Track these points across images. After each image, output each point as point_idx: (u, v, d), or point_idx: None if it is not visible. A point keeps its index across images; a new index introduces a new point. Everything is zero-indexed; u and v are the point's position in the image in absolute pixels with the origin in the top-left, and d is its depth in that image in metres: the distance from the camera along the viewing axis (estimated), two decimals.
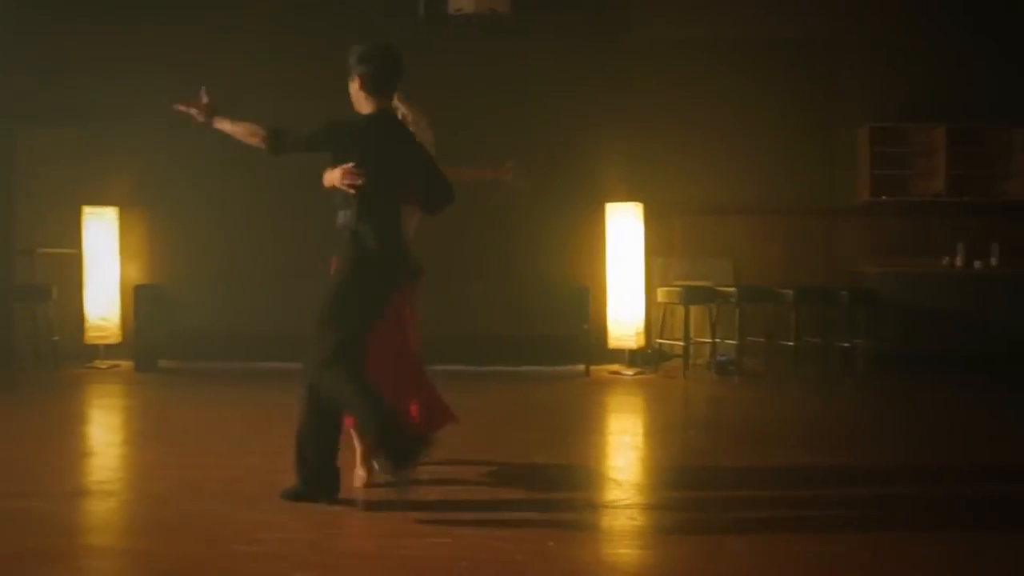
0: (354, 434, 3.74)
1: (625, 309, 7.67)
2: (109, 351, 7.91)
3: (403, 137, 3.72)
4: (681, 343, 7.53)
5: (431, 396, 3.94)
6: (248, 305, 7.86)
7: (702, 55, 8.10)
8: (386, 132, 3.65)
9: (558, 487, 3.87)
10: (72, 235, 8.01)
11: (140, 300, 7.75)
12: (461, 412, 5.75)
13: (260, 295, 7.85)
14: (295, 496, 3.44)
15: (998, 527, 3.31)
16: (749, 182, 8.11)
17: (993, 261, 7.87)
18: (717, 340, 7.56)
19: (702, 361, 7.76)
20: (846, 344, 7.45)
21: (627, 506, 3.55)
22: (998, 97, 8.05)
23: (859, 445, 4.93)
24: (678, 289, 7.64)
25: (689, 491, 3.85)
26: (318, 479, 3.44)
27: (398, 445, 3.33)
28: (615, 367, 7.70)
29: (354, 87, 3.69)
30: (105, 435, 5.40)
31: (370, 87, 3.64)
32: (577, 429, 5.43)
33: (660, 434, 5.45)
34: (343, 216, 3.59)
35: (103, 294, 7.93)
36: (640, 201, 7.79)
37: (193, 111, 3.58)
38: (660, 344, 7.87)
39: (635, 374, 7.54)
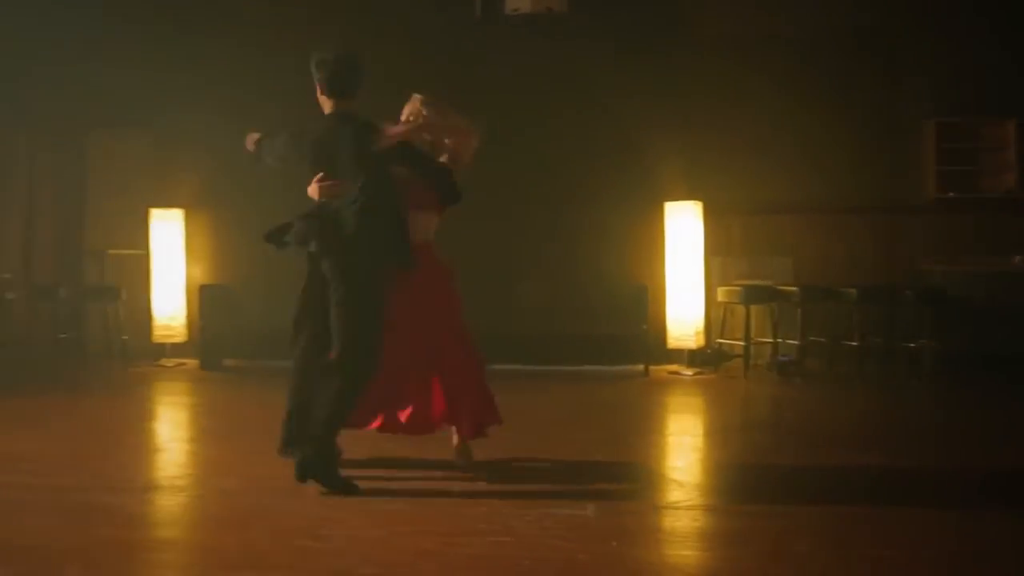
0: None
1: (684, 309, 7.60)
2: (175, 350, 8.10)
3: (345, 135, 3.83)
4: (741, 343, 7.43)
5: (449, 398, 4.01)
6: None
7: (762, 50, 7.97)
8: (325, 131, 3.90)
9: (620, 487, 3.85)
10: (140, 237, 8.23)
11: (205, 300, 7.91)
12: (521, 412, 5.79)
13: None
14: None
15: None
16: (811, 179, 7.95)
17: None
18: (778, 340, 7.45)
19: (763, 361, 7.64)
20: (912, 345, 7.26)
21: (689, 507, 3.52)
22: None
23: (924, 448, 4.81)
24: (738, 288, 7.54)
25: (751, 493, 3.79)
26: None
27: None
28: (674, 367, 7.63)
29: (318, 92, 3.97)
30: (172, 431, 5.53)
31: (325, 91, 3.93)
32: (637, 429, 5.39)
33: (721, 434, 5.38)
34: None
35: (170, 294, 8.12)
36: (699, 200, 7.71)
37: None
38: (720, 344, 7.78)
39: (695, 374, 7.47)
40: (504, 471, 4.13)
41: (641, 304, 7.60)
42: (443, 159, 4.19)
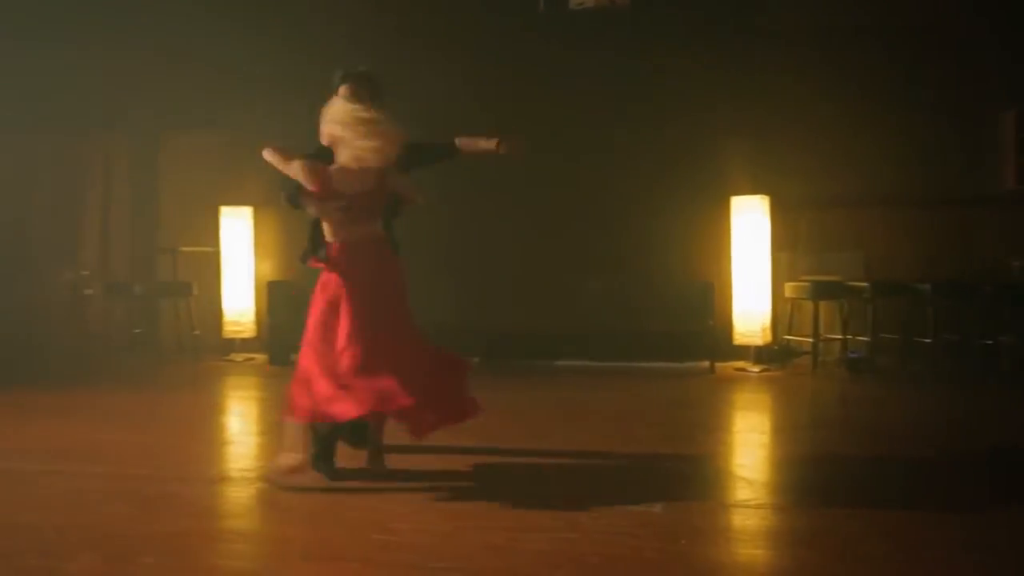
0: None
1: (751, 305, 7.49)
2: (245, 345, 8.28)
3: None
4: (809, 340, 7.30)
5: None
6: None
7: (831, 41, 7.80)
8: None
9: (687, 484, 3.81)
10: (211, 234, 8.43)
11: (273, 296, 8.06)
12: (587, 408, 5.80)
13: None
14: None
15: None
16: (882, 172, 7.75)
17: None
18: (848, 337, 7.29)
19: (832, 358, 7.50)
20: (988, 341, 7.04)
21: (758, 506, 3.47)
22: None
23: (1000, 447, 4.66)
24: (806, 284, 7.40)
25: (821, 492, 3.71)
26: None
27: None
28: (740, 364, 7.53)
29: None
30: (243, 425, 5.64)
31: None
32: (704, 426, 5.33)
33: (789, 432, 5.29)
34: None
35: (239, 290, 8.30)
36: (766, 194, 7.59)
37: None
38: (788, 341, 7.65)
39: (761, 371, 7.35)
40: (570, 467, 4.13)
41: (707, 300, 7.51)
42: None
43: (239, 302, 8.29)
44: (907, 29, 7.79)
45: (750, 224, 7.54)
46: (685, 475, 4.00)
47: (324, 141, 3.87)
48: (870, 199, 7.81)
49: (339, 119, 3.79)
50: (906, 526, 3.19)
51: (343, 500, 3.51)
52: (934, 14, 7.78)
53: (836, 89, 7.74)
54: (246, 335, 8.30)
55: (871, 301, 7.19)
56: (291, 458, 3.71)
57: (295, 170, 3.78)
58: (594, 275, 7.88)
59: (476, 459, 4.29)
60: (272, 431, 5.23)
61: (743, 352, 7.60)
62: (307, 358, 3.69)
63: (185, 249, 8.58)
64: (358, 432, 3.94)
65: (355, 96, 3.91)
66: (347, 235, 3.81)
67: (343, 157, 3.79)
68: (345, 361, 3.60)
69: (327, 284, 3.80)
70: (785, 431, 5.36)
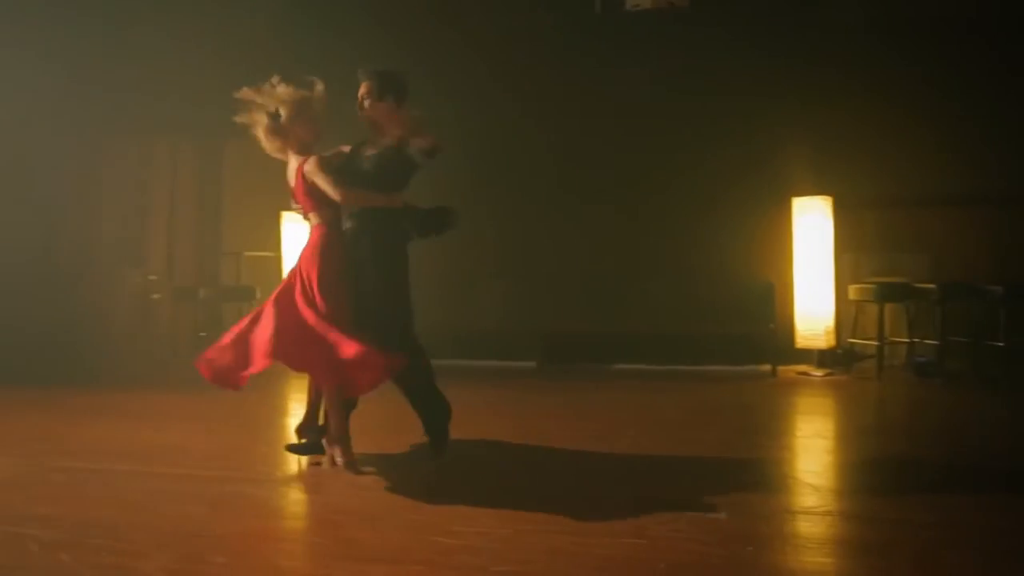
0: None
1: (814, 307, 7.37)
2: None
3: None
4: (875, 343, 7.14)
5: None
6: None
7: (898, 35, 7.63)
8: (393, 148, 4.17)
9: (752, 490, 3.76)
10: (273, 239, 8.58)
11: None
12: (648, 411, 5.76)
13: (448, 294, 8.13)
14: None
15: None
16: (951, 170, 7.54)
17: None
18: (915, 340, 7.12)
19: (898, 363, 7.33)
20: None
21: (826, 513, 3.40)
22: None
23: None
24: (871, 286, 7.25)
25: (891, 499, 3.63)
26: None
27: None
28: (803, 368, 7.41)
29: (391, 113, 4.21)
30: None
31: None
32: (767, 430, 5.25)
33: (855, 438, 5.19)
34: None
35: None
36: (829, 194, 7.46)
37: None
38: (852, 344, 7.50)
39: (824, 375, 7.22)
40: (630, 471, 4.10)
41: (768, 303, 7.41)
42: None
43: None
44: (974, 22, 7.58)
45: (813, 225, 7.42)
46: (749, 481, 3.94)
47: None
48: (937, 198, 7.62)
49: None
50: (983, 536, 3.10)
51: (404, 502, 3.53)
52: (1004, 6, 7.56)
53: (902, 85, 7.57)
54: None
55: (939, 303, 7.00)
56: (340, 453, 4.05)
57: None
58: (653, 277, 7.82)
59: (535, 462, 4.29)
60: None
61: (805, 356, 7.48)
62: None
63: (249, 254, 8.74)
64: None
65: None
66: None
67: None
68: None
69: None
70: (851, 436, 5.26)
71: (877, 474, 4.14)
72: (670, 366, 7.53)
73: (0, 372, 7.69)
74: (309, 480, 4.02)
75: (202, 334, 8.73)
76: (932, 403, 6.20)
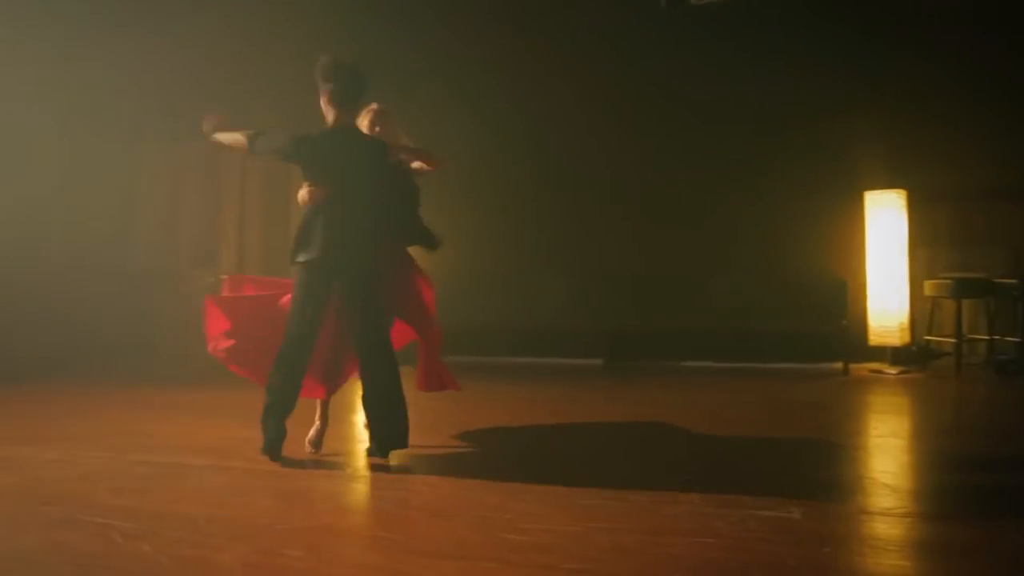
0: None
1: (888, 304, 7.19)
2: None
3: (360, 150, 4.06)
4: (952, 340, 6.94)
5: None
6: (502, 301, 8.17)
7: (967, 23, 7.39)
8: (340, 145, 4.03)
9: (826, 490, 3.68)
10: None
11: None
12: (718, 409, 5.69)
13: (514, 291, 8.15)
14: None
15: None
16: None
17: None
18: (995, 337, 6.90)
19: (977, 360, 7.11)
20: None
21: (904, 514, 3.31)
22: None
23: None
24: (948, 282, 7.05)
25: (973, 500, 3.52)
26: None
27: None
28: (876, 365, 7.24)
29: (322, 100, 4.09)
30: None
31: (336, 102, 4.05)
32: (840, 429, 5.15)
33: (933, 437, 5.05)
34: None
35: None
36: (903, 188, 7.26)
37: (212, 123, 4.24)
38: (927, 341, 7.30)
39: (899, 373, 7.04)
40: (701, 469, 4.05)
41: (840, 299, 7.27)
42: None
43: None
44: None
45: (886, 219, 7.24)
46: (823, 480, 3.87)
47: None
48: (1016, 190, 7.36)
49: None
50: None
51: (473, 498, 3.55)
52: None
53: (975, 74, 7.33)
54: None
55: (1021, 299, 6.77)
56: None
57: None
58: (722, 273, 7.73)
59: (603, 459, 4.28)
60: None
61: (879, 353, 7.31)
62: None
63: None
64: None
65: None
66: None
67: None
68: None
69: None
70: (928, 436, 5.12)
71: (957, 475, 4.03)
72: (739, 364, 7.43)
73: (84, 372, 7.97)
74: (379, 476, 4.07)
75: None
76: (1014, 402, 6.00)
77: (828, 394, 6.37)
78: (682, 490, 3.66)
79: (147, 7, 8.89)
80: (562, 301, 8.14)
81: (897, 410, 5.90)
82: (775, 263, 7.62)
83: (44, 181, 9.11)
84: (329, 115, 4.13)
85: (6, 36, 8.59)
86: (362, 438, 5.11)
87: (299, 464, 4.23)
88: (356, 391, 6.85)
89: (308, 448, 4.44)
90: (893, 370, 7.10)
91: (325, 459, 4.36)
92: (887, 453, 4.61)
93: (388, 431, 4.15)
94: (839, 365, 7.18)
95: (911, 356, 7.31)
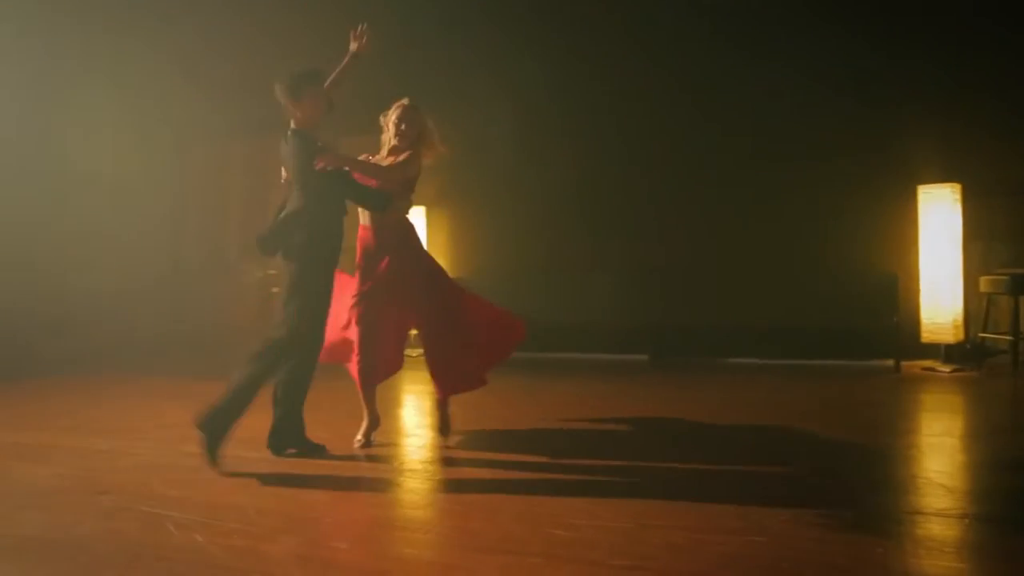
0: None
1: (941, 300, 7.04)
2: (410, 340, 8.53)
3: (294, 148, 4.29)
4: (1008, 338, 6.77)
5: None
6: (546, 297, 8.17)
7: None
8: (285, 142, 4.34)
9: (878, 490, 3.62)
10: None
11: None
12: (765, 407, 5.63)
13: (559, 287, 8.15)
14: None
15: None
16: None
17: None
18: None
19: None
20: None
21: (961, 515, 3.24)
22: None
23: None
24: (1004, 277, 6.87)
25: None
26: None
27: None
28: (929, 363, 7.09)
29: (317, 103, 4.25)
30: (420, 418, 5.82)
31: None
32: (892, 428, 5.05)
33: (989, 437, 4.91)
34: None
35: None
36: (957, 182, 7.10)
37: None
38: (982, 339, 7.13)
39: (952, 371, 6.89)
40: (751, 467, 4.01)
41: (891, 295, 7.13)
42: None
43: None
44: None
45: (939, 214, 7.08)
46: (875, 479, 3.81)
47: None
48: None
49: None
50: None
51: (522, 494, 3.55)
52: None
53: None
54: (413, 331, 8.56)
55: None
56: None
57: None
58: (770, 269, 7.63)
59: (651, 455, 4.25)
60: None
61: (931, 351, 7.16)
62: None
63: None
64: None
65: None
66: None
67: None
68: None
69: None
70: (984, 436, 5.00)
71: (1014, 475, 3.93)
72: (787, 360, 7.33)
73: (135, 365, 8.13)
74: (426, 470, 4.09)
75: None
76: None
77: (879, 392, 6.26)
78: (732, 488, 3.63)
79: (194, 8, 9.02)
80: (608, 297, 8.10)
81: (951, 409, 5.77)
82: (825, 258, 7.50)
83: (92, 180, 9.31)
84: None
85: (70, 42, 8.82)
86: (410, 432, 5.15)
87: (348, 458, 4.27)
88: (399, 386, 6.93)
89: (357, 443, 4.48)
90: (946, 368, 6.95)
91: (372, 453, 4.40)
92: (941, 453, 4.51)
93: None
94: (890, 362, 7.05)
95: (965, 354, 7.15)
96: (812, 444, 4.51)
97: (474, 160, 8.46)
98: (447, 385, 4.62)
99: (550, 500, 3.44)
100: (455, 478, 3.94)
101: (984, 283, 7.03)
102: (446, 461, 4.25)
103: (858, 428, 4.96)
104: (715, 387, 6.59)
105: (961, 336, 7.09)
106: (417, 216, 8.72)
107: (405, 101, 4.56)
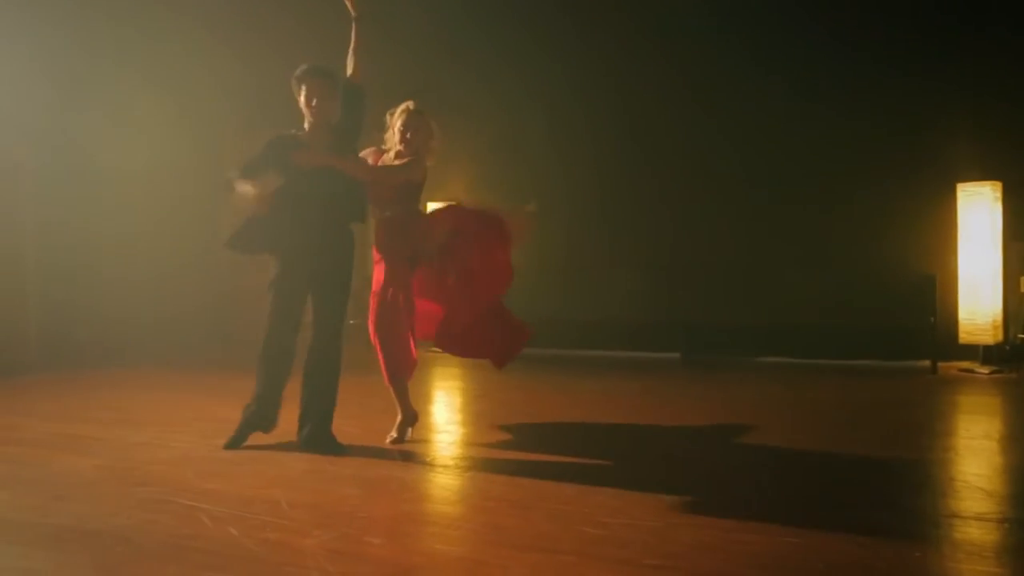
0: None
1: (979, 300, 6.93)
2: None
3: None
4: None
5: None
6: (576, 294, 8.15)
7: None
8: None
9: (915, 492, 3.57)
10: None
11: None
12: (799, 407, 5.58)
13: (589, 284, 8.13)
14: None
15: None
16: None
17: None
18: None
19: None
20: None
21: (1001, 519, 3.19)
22: None
23: None
24: None
25: None
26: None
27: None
28: (966, 364, 6.98)
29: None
30: (450, 415, 5.84)
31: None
32: (929, 430, 4.99)
33: None
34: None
35: None
36: (997, 180, 6.98)
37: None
38: (1022, 340, 7.01)
39: (991, 373, 6.78)
40: (784, 467, 3.97)
41: (928, 295, 7.02)
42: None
43: None
44: None
45: (979, 212, 6.97)
46: (912, 482, 3.76)
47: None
48: None
49: None
50: None
51: (552, 491, 3.55)
52: None
53: None
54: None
55: None
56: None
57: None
58: (804, 267, 7.55)
59: (682, 454, 4.23)
60: (475, 422, 5.40)
61: (970, 352, 7.05)
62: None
63: None
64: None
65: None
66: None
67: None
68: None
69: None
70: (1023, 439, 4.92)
71: None
72: (820, 360, 7.26)
73: (170, 357, 8.23)
74: (458, 466, 4.10)
75: (351, 321, 9.04)
76: None
77: (915, 393, 6.18)
78: (764, 487, 3.60)
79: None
80: (639, 294, 8.07)
81: (989, 411, 5.68)
82: (862, 256, 7.41)
83: (127, 176, 9.42)
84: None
85: (138, 39, 8.98)
86: (441, 428, 5.17)
87: (380, 453, 4.29)
88: (431, 382, 6.95)
89: (389, 440, 4.50)
90: (984, 369, 6.84)
91: (405, 449, 4.42)
92: (980, 455, 4.44)
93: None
94: (926, 363, 6.95)
95: (1004, 355, 7.03)
96: (846, 445, 4.46)
97: (501, 159, 8.49)
98: (502, 351, 4.68)
99: (581, 498, 3.43)
100: (486, 474, 3.94)
101: None
102: (477, 457, 4.25)
103: (894, 429, 4.90)
104: (747, 386, 6.54)
105: (1000, 337, 6.98)
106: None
107: (411, 106, 4.52)
